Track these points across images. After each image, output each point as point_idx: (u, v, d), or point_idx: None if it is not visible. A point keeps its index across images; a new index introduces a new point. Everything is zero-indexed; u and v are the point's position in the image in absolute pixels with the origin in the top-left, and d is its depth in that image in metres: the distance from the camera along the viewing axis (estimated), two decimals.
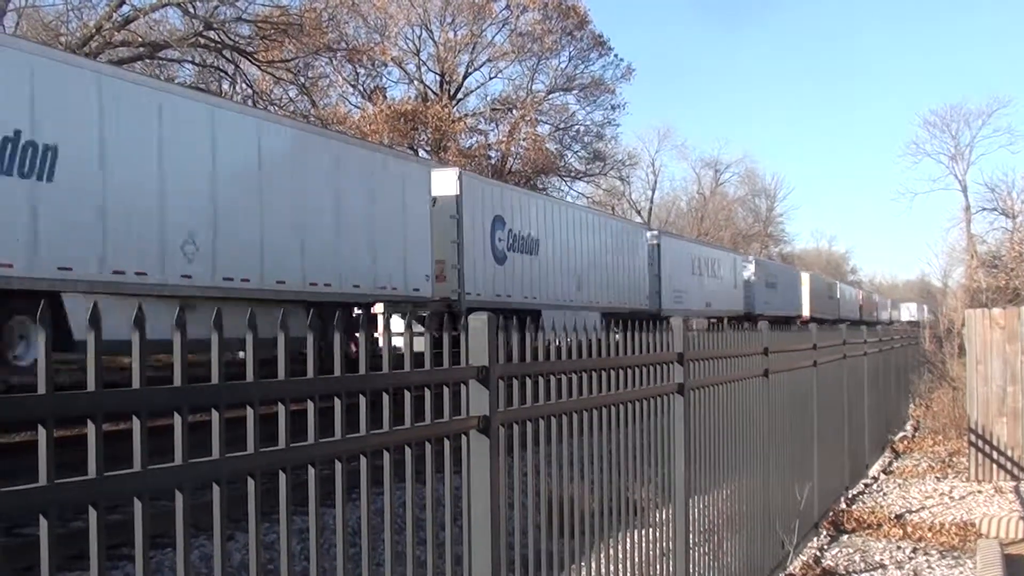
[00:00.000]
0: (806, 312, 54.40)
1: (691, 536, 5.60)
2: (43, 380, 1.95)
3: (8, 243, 12.00)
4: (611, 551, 4.52)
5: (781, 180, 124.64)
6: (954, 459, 13.76)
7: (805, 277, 57.62)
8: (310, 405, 2.66)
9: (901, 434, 17.08)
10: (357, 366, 2.97)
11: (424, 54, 44.35)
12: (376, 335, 17.03)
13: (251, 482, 2.47)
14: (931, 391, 20.04)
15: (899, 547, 8.73)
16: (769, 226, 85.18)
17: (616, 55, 47.23)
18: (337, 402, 2.78)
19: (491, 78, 46.65)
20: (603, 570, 4.42)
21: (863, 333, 13.21)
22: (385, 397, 3.03)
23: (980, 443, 12.31)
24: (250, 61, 32.67)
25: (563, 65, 46.25)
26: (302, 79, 36.17)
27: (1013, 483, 11.86)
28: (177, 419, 2.24)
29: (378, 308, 19.48)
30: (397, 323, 17.86)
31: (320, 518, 2.70)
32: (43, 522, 1.94)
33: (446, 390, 3.41)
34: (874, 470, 13.27)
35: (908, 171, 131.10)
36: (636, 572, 4.80)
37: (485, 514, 3.50)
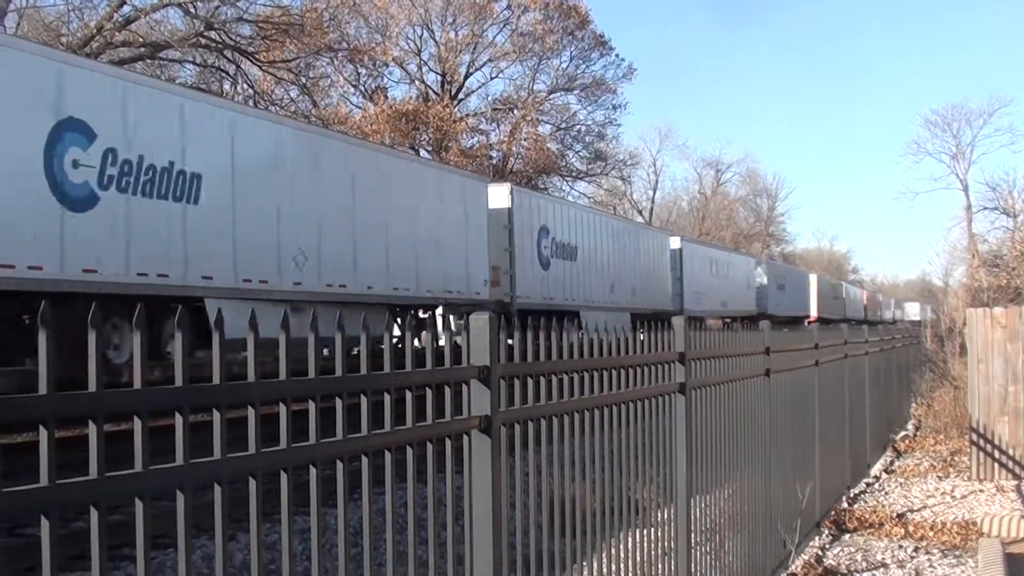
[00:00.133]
0: (814, 312, 55.91)
1: (693, 536, 5.60)
2: (44, 380, 1.95)
3: (167, 257, 14.24)
4: (613, 551, 4.52)
5: (782, 180, 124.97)
6: (956, 458, 13.75)
7: (813, 279, 59.43)
8: (311, 405, 2.66)
9: (903, 433, 17.07)
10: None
11: (425, 54, 44.43)
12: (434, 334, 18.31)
13: (252, 482, 2.47)
14: (932, 390, 20.03)
15: (901, 546, 8.73)
16: (770, 226, 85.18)
17: (617, 55, 47.31)
18: (339, 402, 2.78)
19: (492, 78, 46.74)
20: (605, 570, 4.41)
21: (864, 333, 13.21)
22: (387, 397, 3.03)
23: (982, 442, 12.31)
24: (251, 61, 32.68)
25: (564, 65, 46.33)
26: (303, 79, 36.18)
27: (1015, 482, 11.85)
28: (178, 419, 2.24)
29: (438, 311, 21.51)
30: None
31: (322, 518, 2.70)
32: (44, 522, 1.94)
33: (448, 390, 3.41)
34: (876, 469, 13.26)
35: (909, 170, 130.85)
36: (638, 572, 4.79)
37: (487, 514, 3.50)
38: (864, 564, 8.09)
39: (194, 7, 29.44)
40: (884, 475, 12.99)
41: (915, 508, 10.58)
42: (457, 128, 42.37)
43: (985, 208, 46.44)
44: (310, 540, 2.71)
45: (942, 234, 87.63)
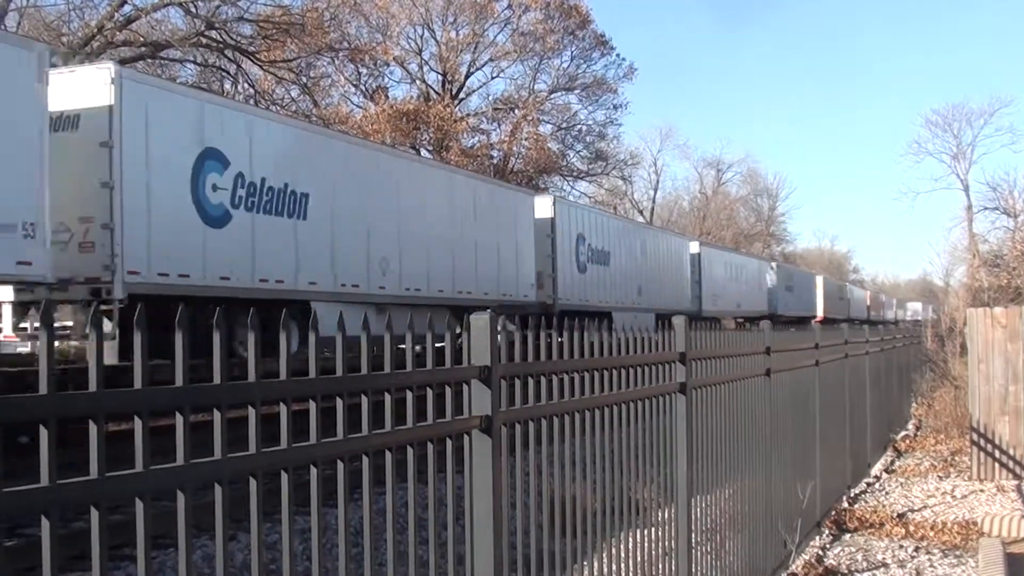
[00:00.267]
0: (820, 312, 57.63)
1: (693, 535, 5.60)
2: (44, 380, 1.95)
3: (283, 265, 16.60)
4: (613, 551, 4.52)
5: (783, 180, 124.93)
6: (956, 458, 13.75)
7: (819, 280, 61.43)
8: (312, 405, 2.66)
9: (903, 433, 17.06)
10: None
11: (426, 54, 44.38)
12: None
13: (253, 482, 2.47)
14: (933, 390, 20.02)
15: (901, 546, 8.72)
16: (771, 226, 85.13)
17: (618, 55, 47.28)
18: (339, 402, 2.78)
19: (493, 78, 46.66)
20: (605, 570, 4.41)
21: (865, 332, 13.21)
22: (387, 397, 3.03)
23: (982, 442, 12.31)
24: (252, 61, 32.67)
25: (565, 65, 46.27)
26: (304, 79, 36.17)
27: (1015, 482, 11.85)
28: (179, 419, 2.24)
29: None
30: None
31: (322, 518, 2.70)
32: (45, 522, 1.94)
33: (448, 390, 3.41)
34: (876, 469, 13.26)
35: (910, 170, 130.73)
36: (639, 572, 4.79)
37: (487, 514, 3.50)
38: (864, 564, 8.09)
39: (195, 6, 29.44)
40: (885, 475, 12.98)
41: (916, 508, 10.58)
42: (458, 128, 42.35)
43: (986, 208, 46.43)
44: (311, 540, 2.71)
45: (943, 234, 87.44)
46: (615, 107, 48.33)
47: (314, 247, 17.28)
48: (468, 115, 44.87)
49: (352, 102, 43.05)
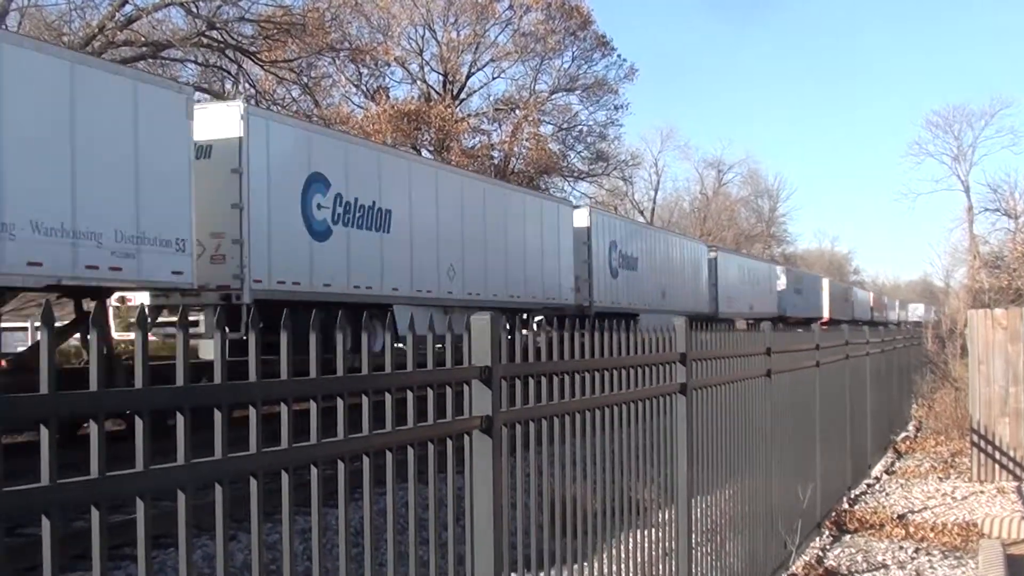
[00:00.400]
0: (826, 314, 58.95)
1: (694, 536, 5.60)
2: (44, 380, 1.95)
3: (370, 273, 18.90)
4: (614, 551, 4.52)
5: (784, 180, 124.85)
6: (956, 459, 13.74)
7: (825, 283, 63.06)
8: (312, 405, 2.66)
9: (903, 434, 17.06)
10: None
11: (427, 54, 44.35)
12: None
13: (253, 482, 2.47)
14: (933, 391, 20.01)
15: (901, 547, 8.72)
16: (772, 226, 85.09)
17: (619, 55, 47.23)
18: (340, 402, 2.78)
19: (494, 78, 46.62)
20: (606, 570, 4.41)
21: (866, 333, 13.21)
22: (388, 397, 3.03)
23: (982, 443, 12.30)
24: (253, 61, 32.65)
25: (566, 65, 46.24)
26: (305, 79, 36.14)
27: (1015, 483, 11.85)
28: (179, 419, 2.24)
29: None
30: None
31: (323, 518, 2.70)
32: (45, 522, 1.94)
33: (449, 390, 3.41)
34: (876, 470, 13.26)
35: (911, 171, 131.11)
36: (639, 572, 4.79)
37: (488, 514, 3.50)
38: (865, 565, 8.08)
39: (196, 6, 29.44)
40: (885, 476, 12.98)
41: (916, 509, 10.57)
42: (459, 128, 42.33)
43: (986, 209, 46.55)
44: (311, 540, 2.71)
45: (943, 235, 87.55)
46: (616, 108, 48.35)
47: (396, 257, 19.73)
48: (469, 115, 44.84)
49: (353, 102, 43.05)
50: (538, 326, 24.36)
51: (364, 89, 42.96)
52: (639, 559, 4.81)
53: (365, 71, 42.29)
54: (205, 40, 30.40)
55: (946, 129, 60.44)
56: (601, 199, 60.79)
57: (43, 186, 12.37)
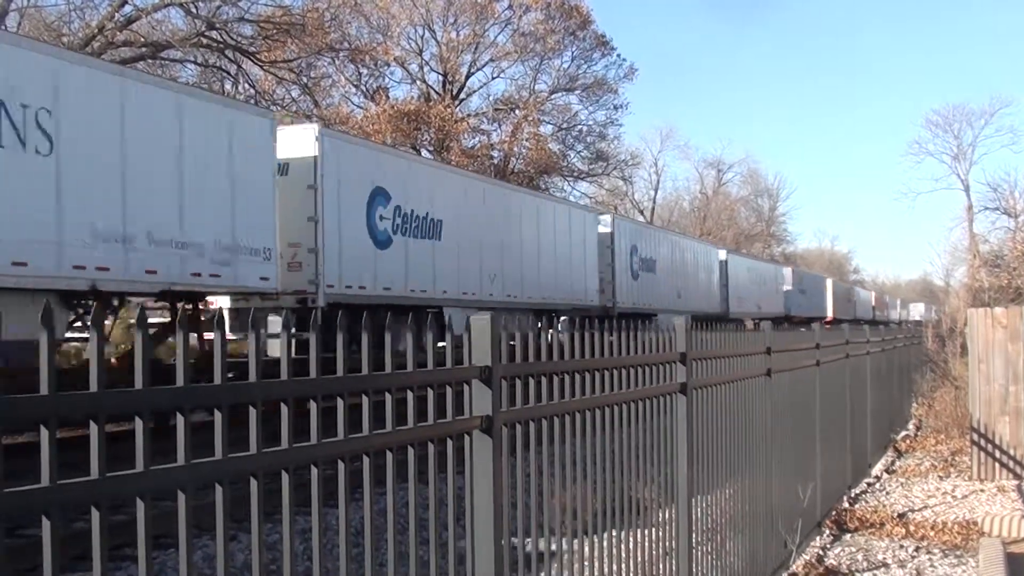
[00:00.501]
0: (830, 313, 60.03)
1: (694, 535, 5.60)
2: (45, 380, 1.95)
3: (423, 279, 20.54)
4: (614, 550, 4.52)
5: (783, 180, 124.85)
6: (956, 458, 13.74)
7: (829, 283, 64.16)
8: (313, 405, 2.66)
9: (904, 433, 17.06)
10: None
11: (427, 54, 44.33)
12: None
13: (254, 482, 2.47)
14: (933, 390, 20.00)
15: (902, 546, 8.72)
16: (772, 226, 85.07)
17: (619, 55, 47.21)
18: (340, 402, 2.78)
19: (494, 78, 46.58)
20: (606, 570, 4.41)
21: (866, 332, 13.21)
22: (388, 397, 3.03)
23: (982, 442, 12.31)
24: (252, 61, 32.65)
25: (566, 65, 46.21)
26: (305, 79, 36.14)
27: (1015, 482, 11.85)
28: (179, 419, 2.24)
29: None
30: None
31: (323, 518, 2.70)
32: (46, 523, 1.94)
33: (449, 390, 3.41)
34: (877, 469, 13.26)
35: (911, 170, 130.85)
36: (639, 572, 4.79)
37: (488, 514, 3.50)
38: (865, 564, 8.08)
39: (195, 7, 29.43)
40: (885, 475, 12.98)
41: (916, 508, 10.58)
42: (458, 128, 42.32)
43: (986, 208, 46.52)
44: (311, 540, 2.71)
45: (943, 234, 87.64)
46: (616, 107, 48.31)
47: (446, 263, 21.36)
48: (469, 115, 44.83)
49: (353, 102, 43.04)
50: (561, 326, 24.92)
51: (364, 89, 42.96)
52: (639, 558, 4.81)
53: (365, 71, 42.29)
54: (204, 40, 30.40)
55: (946, 128, 60.46)
56: (601, 199, 60.83)
57: (157, 201, 13.90)
